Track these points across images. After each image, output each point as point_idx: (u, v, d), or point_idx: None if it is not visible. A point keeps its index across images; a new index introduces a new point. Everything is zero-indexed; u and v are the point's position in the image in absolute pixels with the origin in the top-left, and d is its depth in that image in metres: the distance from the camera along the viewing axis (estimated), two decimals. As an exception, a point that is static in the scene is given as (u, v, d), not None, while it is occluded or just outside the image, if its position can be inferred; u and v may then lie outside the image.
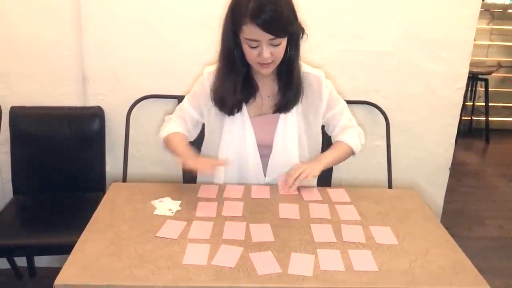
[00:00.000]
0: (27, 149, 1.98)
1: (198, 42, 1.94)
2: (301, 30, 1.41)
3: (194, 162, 1.41)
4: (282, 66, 1.46)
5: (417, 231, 1.30)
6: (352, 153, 1.61)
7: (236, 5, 1.35)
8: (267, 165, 1.56)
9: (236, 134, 1.53)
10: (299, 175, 1.46)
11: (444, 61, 2.00)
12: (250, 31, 1.32)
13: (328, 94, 1.56)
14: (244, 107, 1.52)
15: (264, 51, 1.35)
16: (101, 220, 1.30)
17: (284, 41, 1.37)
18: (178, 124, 1.58)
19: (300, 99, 1.52)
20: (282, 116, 1.52)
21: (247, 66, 1.47)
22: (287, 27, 1.34)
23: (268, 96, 1.54)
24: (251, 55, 1.38)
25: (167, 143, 1.55)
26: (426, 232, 1.30)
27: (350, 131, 1.61)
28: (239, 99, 1.49)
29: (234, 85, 1.47)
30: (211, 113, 1.56)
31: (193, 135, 1.63)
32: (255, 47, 1.36)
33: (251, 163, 1.55)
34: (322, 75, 1.56)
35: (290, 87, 1.48)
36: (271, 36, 1.32)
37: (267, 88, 1.53)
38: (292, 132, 1.54)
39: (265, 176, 1.57)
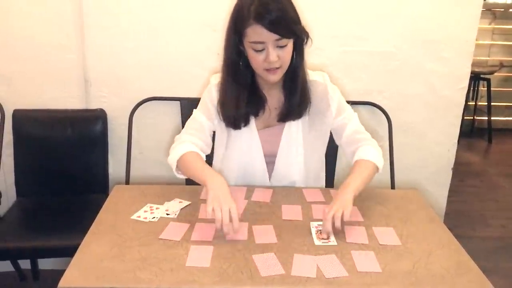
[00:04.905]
0: (30, 151, 1.99)
1: (200, 44, 1.94)
2: (305, 34, 1.38)
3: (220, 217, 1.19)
4: (287, 75, 1.42)
5: (420, 232, 1.29)
6: (377, 170, 1.47)
7: (238, 10, 1.33)
8: (272, 169, 1.55)
9: (244, 147, 1.51)
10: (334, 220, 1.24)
11: (446, 61, 2.00)
12: (254, 33, 1.29)
13: (337, 100, 1.51)
14: (252, 120, 1.49)
15: (271, 53, 1.31)
16: (104, 222, 1.30)
17: (290, 44, 1.34)
18: (191, 143, 1.45)
19: (307, 109, 1.47)
20: (286, 127, 1.50)
21: (252, 78, 1.43)
22: (292, 27, 1.31)
23: (275, 108, 1.50)
24: (257, 60, 1.34)
25: (183, 166, 1.42)
26: (429, 232, 1.30)
27: (366, 147, 1.48)
28: (246, 112, 1.45)
29: (239, 98, 1.43)
30: (220, 125, 1.52)
31: (210, 148, 1.54)
32: (260, 51, 1.32)
33: (257, 172, 1.54)
34: (327, 79, 1.52)
35: (294, 93, 1.44)
36: (277, 36, 1.29)
37: (274, 100, 1.49)
38: (296, 141, 1.51)
39: (269, 179, 1.56)
